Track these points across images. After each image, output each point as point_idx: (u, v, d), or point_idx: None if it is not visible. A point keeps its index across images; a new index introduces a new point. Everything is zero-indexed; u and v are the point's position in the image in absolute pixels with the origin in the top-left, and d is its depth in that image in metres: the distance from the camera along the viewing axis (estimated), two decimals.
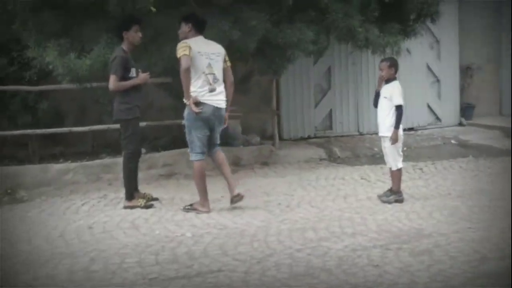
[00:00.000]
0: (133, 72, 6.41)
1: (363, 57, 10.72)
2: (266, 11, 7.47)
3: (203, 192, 6.22)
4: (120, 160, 7.11)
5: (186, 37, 6.08)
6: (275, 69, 8.55)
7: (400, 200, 6.45)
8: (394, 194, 6.50)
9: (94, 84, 7.80)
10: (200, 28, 6.18)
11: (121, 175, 6.71)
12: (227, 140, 9.14)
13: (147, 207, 6.37)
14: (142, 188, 6.82)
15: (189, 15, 6.24)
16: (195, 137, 6.11)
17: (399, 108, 6.42)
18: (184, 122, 6.20)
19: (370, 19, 8.11)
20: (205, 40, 6.21)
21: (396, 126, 6.39)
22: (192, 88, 5.97)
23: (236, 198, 6.22)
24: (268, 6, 7.51)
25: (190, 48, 5.90)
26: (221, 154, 6.41)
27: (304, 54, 8.25)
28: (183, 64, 5.88)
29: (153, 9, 6.46)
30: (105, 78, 6.58)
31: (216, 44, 6.28)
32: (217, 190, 7.05)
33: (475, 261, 4.58)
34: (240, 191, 6.28)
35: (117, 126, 6.72)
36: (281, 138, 9.96)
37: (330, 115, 10.90)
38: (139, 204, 6.38)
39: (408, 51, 10.98)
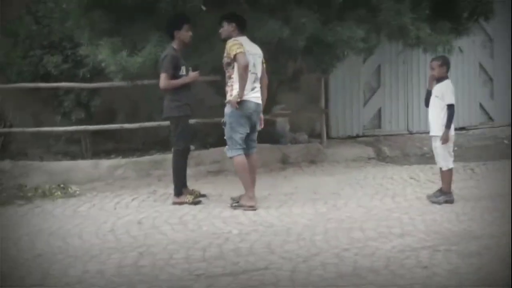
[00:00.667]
0: (183, 70, 6.50)
1: (413, 56, 10.57)
2: (315, 9, 7.45)
3: (249, 185, 6.27)
4: (169, 156, 7.25)
5: (230, 36, 6.19)
6: (324, 67, 8.52)
7: (450, 201, 6.35)
8: (444, 195, 6.41)
9: (145, 82, 7.95)
10: (243, 28, 6.28)
11: (170, 171, 6.80)
12: (275, 138, 9.18)
13: (195, 203, 6.44)
14: (191, 184, 6.89)
15: (231, 15, 6.34)
16: (238, 134, 6.20)
17: (450, 108, 6.33)
18: (224, 119, 6.27)
19: (421, 17, 7.99)
20: (249, 40, 6.30)
21: (448, 126, 6.30)
22: (236, 86, 6.08)
23: (246, 208, 6.17)
24: (318, 5, 7.48)
25: (242, 46, 6.00)
26: (256, 158, 6.52)
27: (353, 52, 8.20)
28: (242, 61, 5.99)
29: (203, 8, 6.52)
30: (156, 75, 6.68)
31: (256, 45, 6.39)
32: (265, 187, 7.10)
33: None
34: (256, 204, 6.25)
35: (167, 123, 6.81)
36: (329, 137, 9.92)
37: (379, 113, 10.80)
38: (187, 200, 6.46)
39: (460, 49, 10.77)
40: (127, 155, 8.38)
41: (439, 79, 6.43)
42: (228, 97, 6.21)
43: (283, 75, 8.95)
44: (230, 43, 6.09)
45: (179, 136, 6.52)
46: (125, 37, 7.40)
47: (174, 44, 6.50)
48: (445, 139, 6.32)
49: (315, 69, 8.75)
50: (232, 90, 6.16)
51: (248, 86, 6.13)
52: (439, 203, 6.32)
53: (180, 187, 6.56)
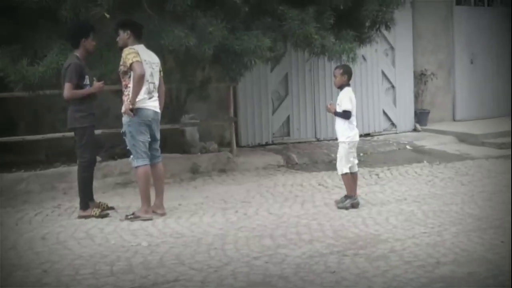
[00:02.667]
0: (87, 79, 6.33)
1: (319, 64, 10.80)
2: (222, 18, 7.46)
3: (147, 198, 6.22)
4: (75, 168, 6.98)
5: (126, 44, 6.13)
6: (232, 76, 8.53)
7: (355, 204, 6.52)
8: (350, 198, 6.57)
9: (48, 92, 7.66)
10: (139, 35, 6.23)
11: (76, 184, 6.59)
12: (185, 147, 9.10)
13: (102, 216, 6.27)
14: (98, 196, 6.72)
15: (126, 22, 6.27)
16: (140, 142, 6.14)
17: (346, 112, 6.56)
18: (123, 129, 6.20)
19: (326, 26, 8.17)
20: (146, 48, 6.25)
21: (336, 114, 6.61)
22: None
23: (143, 219, 6.13)
24: (224, 13, 7.50)
25: (139, 54, 5.95)
26: (162, 167, 6.47)
27: (261, 61, 8.25)
28: (138, 70, 5.93)
29: (107, 15, 6.38)
30: (59, 85, 6.47)
31: (153, 54, 6.34)
32: (175, 198, 7.03)
33: (430, 265, 4.65)
34: (165, 212, 6.31)
35: (72, 134, 6.60)
36: (239, 145, 9.95)
37: (287, 121, 10.94)
38: (93, 213, 6.28)
39: (364, 58, 11.12)
40: (30, 168, 8.04)
41: (341, 87, 6.66)
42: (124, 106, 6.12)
43: (192, 83, 8.90)
44: (126, 51, 6.02)
45: (84, 147, 6.33)
46: (26, 46, 7.13)
47: (77, 53, 6.32)
48: (329, 108, 6.75)
49: (224, 78, 8.76)
50: (129, 100, 6.07)
51: (146, 95, 6.09)
52: (345, 207, 6.46)
53: (86, 200, 6.37)
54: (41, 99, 8.07)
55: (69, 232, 5.80)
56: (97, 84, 6.40)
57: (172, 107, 8.93)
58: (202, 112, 9.57)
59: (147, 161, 6.19)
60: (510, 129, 10.98)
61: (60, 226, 6.01)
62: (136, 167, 6.22)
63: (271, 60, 8.74)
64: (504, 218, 5.93)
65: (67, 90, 6.21)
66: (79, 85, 6.25)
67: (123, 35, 6.17)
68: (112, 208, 6.56)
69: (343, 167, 6.60)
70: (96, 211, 6.30)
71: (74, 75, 6.19)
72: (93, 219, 6.20)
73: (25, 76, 6.82)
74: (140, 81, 5.95)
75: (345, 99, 6.58)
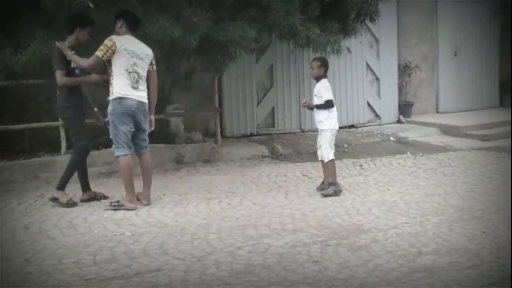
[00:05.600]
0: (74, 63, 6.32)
1: (304, 55, 10.81)
2: (207, 8, 7.45)
3: (131, 188, 6.22)
4: (59, 158, 7.01)
5: (118, 34, 6.16)
6: (217, 66, 8.55)
7: (338, 191, 6.65)
8: (333, 185, 6.67)
9: (31, 81, 7.61)
10: (132, 26, 6.24)
11: (59, 173, 6.60)
12: (169, 138, 9.09)
13: (69, 205, 6.26)
14: (78, 186, 6.68)
15: (120, 12, 6.30)
16: (121, 132, 6.12)
17: (329, 102, 6.73)
18: (107, 118, 6.21)
19: (310, 17, 8.20)
20: (135, 39, 6.25)
21: (318, 107, 6.77)
22: (115, 84, 6.06)
23: (126, 208, 6.16)
24: (209, 4, 7.49)
25: (112, 47, 5.97)
26: (149, 158, 6.47)
27: (246, 52, 8.26)
28: (90, 62, 6.08)
29: (91, 5, 6.34)
30: (42, 75, 6.44)
31: (146, 46, 6.33)
32: (160, 188, 7.02)
33: (411, 255, 4.69)
34: (150, 203, 6.33)
35: (56, 124, 6.59)
36: (223, 136, 9.95)
37: (272, 112, 10.95)
38: (61, 200, 6.28)
39: (349, 49, 11.16)
40: (13, 158, 7.99)
41: (318, 78, 6.86)
42: (110, 95, 6.13)
43: (176, 74, 8.89)
44: (105, 41, 6.05)
45: (77, 135, 6.36)
46: (9, 35, 7.08)
47: (68, 40, 6.30)
48: (306, 105, 7.05)
49: (208, 68, 8.76)
50: (113, 88, 6.07)
51: (129, 84, 6.08)
52: (329, 194, 6.55)
53: (65, 183, 6.38)
54: (25, 89, 8.02)
55: (52, 221, 5.78)
56: (95, 76, 6.40)
57: (157, 97, 8.88)
58: (186, 102, 9.55)
59: (127, 151, 6.18)
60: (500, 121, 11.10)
61: (43, 216, 5.99)
62: (117, 157, 6.23)
63: (256, 51, 8.77)
64: (486, 209, 6.00)
65: (59, 77, 6.22)
66: (68, 70, 6.25)
67: (117, 25, 6.20)
68: (107, 197, 6.57)
69: (328, 154, 6.73)
70: (65, 198, 6.30)
71: (59, 61, 6.20)
72: (77, 208, 6.21)
73: (8, 65, 6.80)
74: (84, 66, 6.14)
75: (324, 90, 6.74)
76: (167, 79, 8.93)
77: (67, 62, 6.25)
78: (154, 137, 8.68)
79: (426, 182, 7.34)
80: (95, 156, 7.98)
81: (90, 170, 7.68)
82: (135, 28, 6.28)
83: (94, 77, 6.41)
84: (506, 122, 11.46)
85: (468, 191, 6.80)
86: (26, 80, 7.53)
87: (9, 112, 8.85)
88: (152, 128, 6.50)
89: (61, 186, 6.37)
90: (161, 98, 9.02)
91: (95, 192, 6.58)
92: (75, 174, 6.50)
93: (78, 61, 6.17)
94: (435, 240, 5.05)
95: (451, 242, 5.02)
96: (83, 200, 6.48)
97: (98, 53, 5.99)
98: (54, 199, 6.32)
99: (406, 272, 4.36)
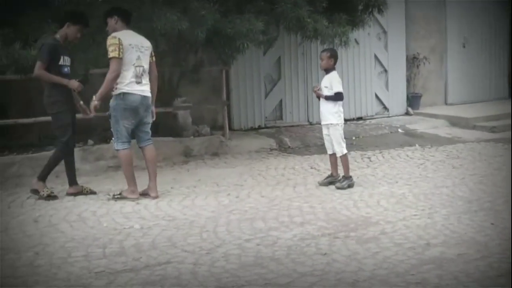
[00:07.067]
0: (64, 60, 6.32)
1: (312, 48, 10.79)
2: (214, 1, 7.44)
3: (132, 179, 6.29)
4: None
5: (115, 30, 6.16)
6: (224, 59, 8.55)
7: (352, 185, 6.68)
8: (347, 179, 6.67)
9: None
10: (126, 20, 6.25)
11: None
12: (177, 131, 9.11)
13: (48, 198, 6.27)
14: (90, 179, 6.75)
15: (111, 9, 6.29)
16: (123, 127, 6.17)
17: (339, 94, 6.69)
18: (109, 112, 6.22)
19: (318, 9, 8.18)
20: (134, 33, 6.25)
21: (328, 98, 6.71)
22: (120, 79, 6.06)
23: (129, 199, 6.22)
24: None
25: (120, 44, 5.96)
26: (153, 150, 6.49)
27: (253, 45, 8.26)
28: (115, 68, 5.98)
29: None
30: None
31: (145, 38, 6.33)
32: (168, 181, 7.05)
33: (420, 247, 4.68)
34: (158, 195, 6.34)
35: None
36: (231, 129, 9.96)
37: (280, 105, 10.94)
38: (42, 193, 6.30)
39: (356, 41, 11.11)
40: (22, 152, 8.03)
41: (327, 70, 6.82)
42: (114, 91, 6.13)
43: (184, 67, 8.89)
44: (108, 40, 6.05)
45: (60, 130, 6.38)
46: (18, 29, 7.09)
47: (58, 34, 6.31)
48: (318, 94, 6.82)
49: (216, 61, 8.75)
50: (117, 84, 6.09)
51: (133, 79, 6.09)
52: (343, 187, 6.57)
53: (47, 174, 6.41)
54: (34, 83, 8.02)
55: (61, 215, 5.80)
56: (75, 83, 6.32)
57: (165, 90, 8.91)
58: (194, 95, 9.56)
59: (127, 145, 6.24)
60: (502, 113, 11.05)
61: (52, 209, 6.01)
62: (117, 150, 6.29)
63: (264, 44, 8.75)
64: (494, 201, 5.98)
65: (37, 68, 6.22)
66: (53, 65, 6.24)
67: (111, 22, 6.19)
68: (94, 192, 6.56)
69: (342, 148, 6.74)
70: (46, 191, 6.31)
71: (45, 54, 6.18)
72: (86, 202, 6.22)
73: (17, 60, 6.81)
74: (114, 78, 6.01)
75: (335, 82, 6.70)
76: (175, 72, 8.94)
77: (55, 56, 6.23)
78: (162, 130, 8.72)
79: (434, 174, 7.32)
80: (103, 150, 8.02)
81: (99, 164, 7.78)
82: (130, 22, 6.28)
83: (74, 83, 6.33)
84: None
85: (476, 183, 6.78)
86: None
87: (18, 106, 8.89)
88: (154, 119, 6.51)
89: (42, 178, 6.39)
90: (169, 91, 9.04)
91: (82, 187, 6.58)
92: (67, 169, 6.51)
93: (106, 81, 6.04)
94: (443, 232, 5.04)
95: (459, 234, 5.00)
96: (69, 194, 6.48)
97: (114, 54, 5.95)
98: (35, 191, 6.34)
99: (415, 264, 4.35)
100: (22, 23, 7.17)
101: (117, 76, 6.02)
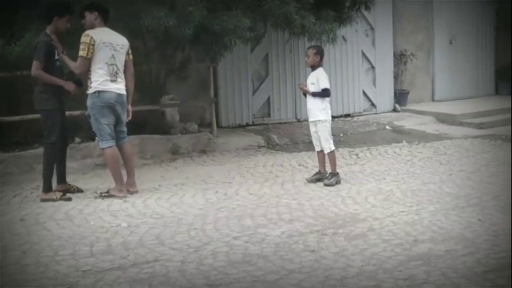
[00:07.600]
0: (57, 53, 6.28)
1: (300, 45, 10.78)
2: None
3: (119, 177, 6.27)
4: None
5: (93, 26, 6.16)
6: (212, 56, 8.52)
7: (339, 181, 6.71)
8: (335, 176, 6.69)
9: (25, 72, 7.56)
10: (105, 17, 6.24)
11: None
12: (165, 128, 9.07)
13: (65, 200, 6.20)
14: (78, 177, 6.70)
15: (92, 4, 6.27)
16: (104, 124, 6.16)
17: (325, 90, 6.71)
18: (88, 112, 6.22)
19: (305, 6, 8.16)
20: (111, 31, 6.25)
21: (315, 94, 6.73)
22: (93, 78, 6.08)
23: (116, 197, 6.21)
24: None
25: (91, 44, 5.98)
26: (129, 147, 6.52)
27: (241, 41, 8.22)
28: (78, 65, 6.08)
29: None
30: None
31: (121, 36, 6.33)
32: (155, 179, 7.03)
33: (407, 243, 4.70)
34: (138, 190, 6.38)
35: None
36: (219, 126, 9.93)
37: (268, 102, 10.93)
38: (54, 197, 6.21)
39: (344, 38, 11.12)
40: (8, 150, 7.96)
41: (313, 67, 6.84)
42: (88, 89, 6.14)
43: (172, 64, 8.86)
44: (82, 38, 6.05)
45: (49, 129, 6.28)
46: (2, 25, 7.04)
47: (48, 30, 6.26)
48: (305, 90, 6.83)
49: (204, 58, 8.72)
50: (91, 83, 6.09)
51: (107, 77, 6.09)
52: (331, 184, 6.59)
53: (49, 183, 6.32)
54: (20, 80, 7.97)
55: (48, 213, 5.77)
56: (72, 85, 6.29)
57: (152, 88, 8.88)
58: (182, 93, 9.52)
59: (112, 143, 6.22)
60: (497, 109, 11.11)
61: (39, 207, 5.98)
62: (103, 149, 6.27)
63: (251, 41, 8.72)
64: (481, 197, 6.01)
65: (34, 68, 6.17)
66: (50, 63, 6.19)
67: (90, 17, 6.17)
68: (81, 191, 6.52)
69: (330, 144, 6.77)
70: (58, 195, 6.24)
71: (42, 53, 6.14)
72: (74, 200, 6.18)
73: (2, 56, 6.76)
74: (74, 70, 6.12)
75: (322, 78, 6.73)
76: (162, 69, 8.91)
77: (50, 54, 6.20)
78: (150, 128, 8.69)
79: (422, 170, 7.34)
80: (90, 147, 7.97)
81: (86, 162, 7.73)
82: (108, 20, 6.27)
83: (71, 85, 6.30)
84: (502, 110, 11.47)
85: (464, 179, 6.81)
86: (21, 71, 7.49)
87: (4, 104, 8.81)
88: (129, 118, 6.49)
89: (47, 188, 6.30)
90: (156, 89, 9.01)
91: (69, 185, 6.54)
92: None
93: (68, 63, 6.20)
94: (431, 228, 5.06)
95: (447, 230, 5.02)
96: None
97: (82, 53, 6.00)
98: (47, 200, 6.22)
99: (403, 260, 4.37)
100: (7, 19, 7.10)
101: (79, 73, 6.11)
